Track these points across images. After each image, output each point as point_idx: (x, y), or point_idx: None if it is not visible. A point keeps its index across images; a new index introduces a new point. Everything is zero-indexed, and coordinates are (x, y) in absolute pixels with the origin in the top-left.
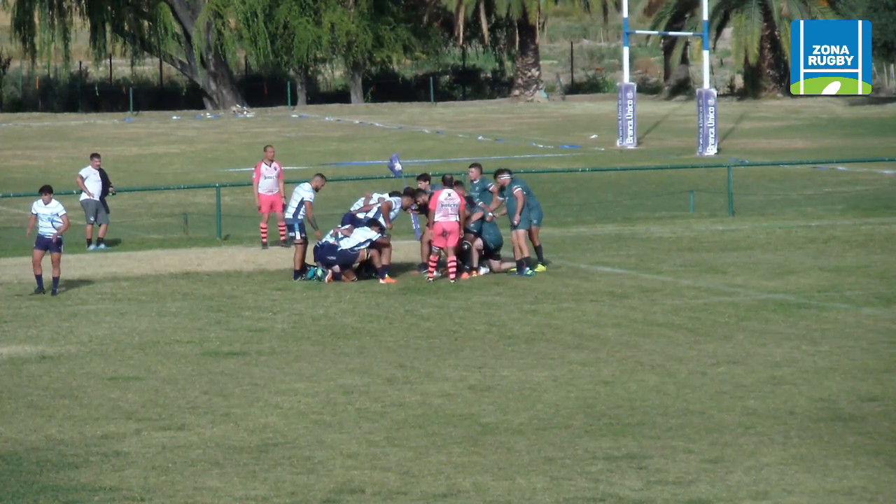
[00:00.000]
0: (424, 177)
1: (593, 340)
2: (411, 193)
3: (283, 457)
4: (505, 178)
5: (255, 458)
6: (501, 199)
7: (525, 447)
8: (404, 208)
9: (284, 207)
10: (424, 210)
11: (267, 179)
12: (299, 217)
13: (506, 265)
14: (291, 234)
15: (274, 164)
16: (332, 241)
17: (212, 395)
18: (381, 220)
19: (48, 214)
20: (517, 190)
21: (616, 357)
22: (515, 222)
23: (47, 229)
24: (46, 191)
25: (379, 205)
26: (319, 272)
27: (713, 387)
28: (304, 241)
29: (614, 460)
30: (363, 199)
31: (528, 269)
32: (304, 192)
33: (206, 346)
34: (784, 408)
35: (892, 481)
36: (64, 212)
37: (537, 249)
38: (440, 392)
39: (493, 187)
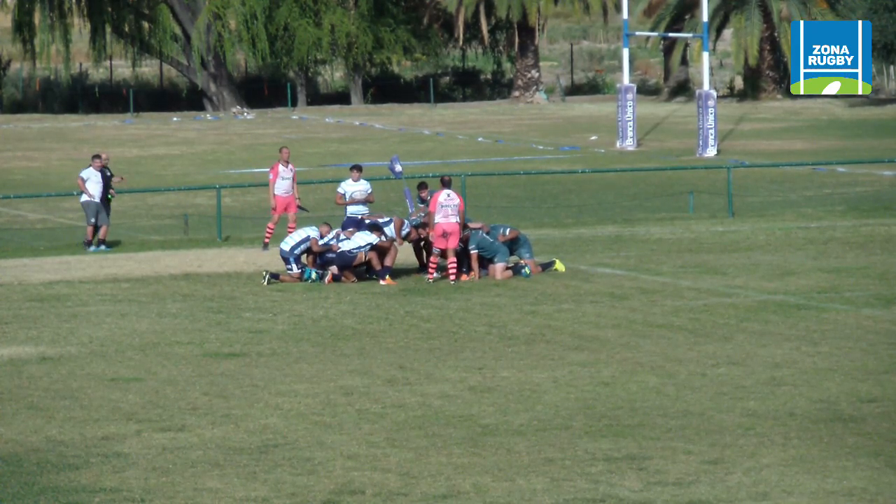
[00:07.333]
0: (423, 185)
1: (593, 341)
2: (422, 225)
3: (283, 458)
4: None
5: (256, 459)
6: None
7: (525, 448)
8: (410, 237)
9: (299, 209)
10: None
11: (284, 180)
12: (296, 252)
13: (507, 272)
14: (287, 267)
15: (290, 166)
16: (332, 241)
17: (212, 397)
18: (387, 229)
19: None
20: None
21: (616, 358)
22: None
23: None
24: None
25: (391, 220)
26: (314, 275)
27: (713, 388)
28: (300, 276)
29: (614, 461)
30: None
31: (525, 268)
32: (312, 231)
33: (207, 347)
34: (784, 409)
35: (892, 482)
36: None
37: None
38: (440, 393)
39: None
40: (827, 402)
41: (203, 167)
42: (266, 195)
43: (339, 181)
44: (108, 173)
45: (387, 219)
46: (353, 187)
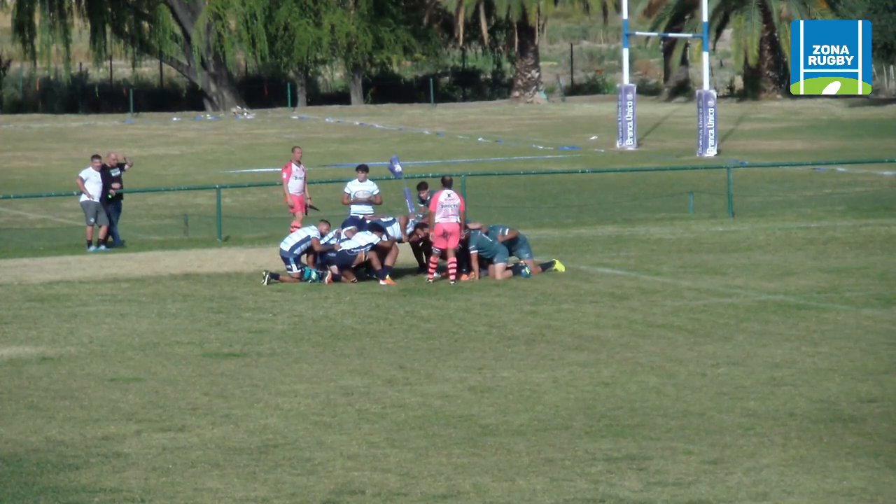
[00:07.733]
0: (423, 185)
1: (593, 342)
2: (422, 225)
3: (283, 458)
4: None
5: (256, 459)
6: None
7: (525, 448)
8: (412, 237)
9: (310, 208)
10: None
11: (297, 180)
12: (296, 252)
13: (507, 272)
14: (287, 267)
15: (302, 165)
16: (333, 241)
17: (212, 397)
18: (389, 229)
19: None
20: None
21: (616, 358)
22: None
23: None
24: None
25: (394, 220)
26: (314, 275)
27: (713, 388)
28: (300, 276)
29: (614, 461)
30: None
31: (525, 268)
32: (312, 231)
33: (207, 347)
34: (784, 409)
35: (892, 482)
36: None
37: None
38: (440, 393)
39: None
40: (827, 402)
41: (203, 167)
42: (266, 195)
43: (338, 181)
44: (120, 170)
45: (390, 218)
46: (358, 187)
